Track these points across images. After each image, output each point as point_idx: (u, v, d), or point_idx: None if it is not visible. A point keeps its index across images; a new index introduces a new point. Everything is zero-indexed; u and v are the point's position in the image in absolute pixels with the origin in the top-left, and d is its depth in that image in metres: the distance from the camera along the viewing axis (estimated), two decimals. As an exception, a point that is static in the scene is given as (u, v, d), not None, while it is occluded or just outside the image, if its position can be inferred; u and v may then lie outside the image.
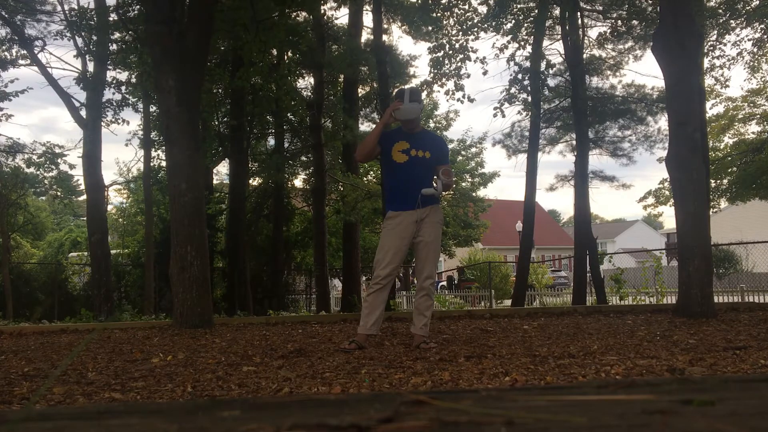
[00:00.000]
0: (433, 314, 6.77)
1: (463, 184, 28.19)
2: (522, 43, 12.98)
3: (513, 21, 12.81)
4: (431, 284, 4.07)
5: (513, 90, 12.76)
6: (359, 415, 0.54)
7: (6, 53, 12.76)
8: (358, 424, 0.51)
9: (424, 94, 20.84)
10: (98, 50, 12.14)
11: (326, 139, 15.69)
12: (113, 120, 13.18)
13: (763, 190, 17.78)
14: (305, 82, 17.39)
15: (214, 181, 19.01)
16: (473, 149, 28.62)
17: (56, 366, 3.44)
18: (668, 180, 13.07)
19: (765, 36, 14.31)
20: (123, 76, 15.19)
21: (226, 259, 15.47)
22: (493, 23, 12.24)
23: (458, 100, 11.40)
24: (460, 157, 28.45)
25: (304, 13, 13.85)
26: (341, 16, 31.29)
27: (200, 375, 3.05)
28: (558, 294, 19.21)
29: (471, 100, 11.62)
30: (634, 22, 12.85)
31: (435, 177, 4.01)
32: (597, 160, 24.81)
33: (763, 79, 17.86)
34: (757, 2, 12.72)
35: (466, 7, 11.83)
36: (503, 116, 12.27)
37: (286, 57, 14.36)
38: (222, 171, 22.80)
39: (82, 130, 12.21)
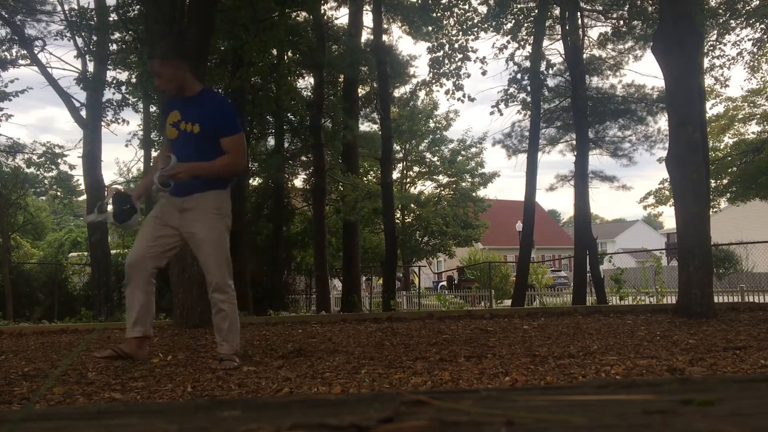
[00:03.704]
0: (432, 314, 6.77)
1: (463, 184, 28.22)
2: (522, 43, 12.99)
3: (513, 21, 12.83)
4: (220, 297, 3.30)
5: (512, 90, 12.79)
6: (359, 415, 0.54)
7: (6, 53, 12.77)
8: (358, 424, 0.51)
9: (423, 94, 20.92)
10: (98, 50, 12.14)
11: (326, 139, 15.69)
12: (113, 120, 13.20)
13: (763, 190, 17.79)
14: (305, 82, 17.41)
15: (214, 181, 18.96)
16: (473, 149, 28.67)
17: (56, 366, 3.44)
18: (668, 180, 13.07)
19: (765, 36, 14.32)
20: (123, 76, 15.19)
21: (226, 259, 15.44)
22: (493, 23, 12.26)
23: (458, 99, 11.46)
24: (460, 157, 28.48)
25: (304, 13, 13.85)
26: (341, 16, 31.32)
27: (200, 375, 3.05)
28: (558, 294, 19.21)
29: (471, 100, 11.72)
30: (635, 22, 12.86)
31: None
32: (597, 160, 24.89)
33: (763, 79, 17.89)
34: (757, 2, 12.73)
35: (466, 7, 11.86)
36: (501, 114, 12.32)
37: (286, 57, 14.35)
38: (222, 171, 22.70)
39: (82, 130, 12.21)
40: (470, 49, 11.51)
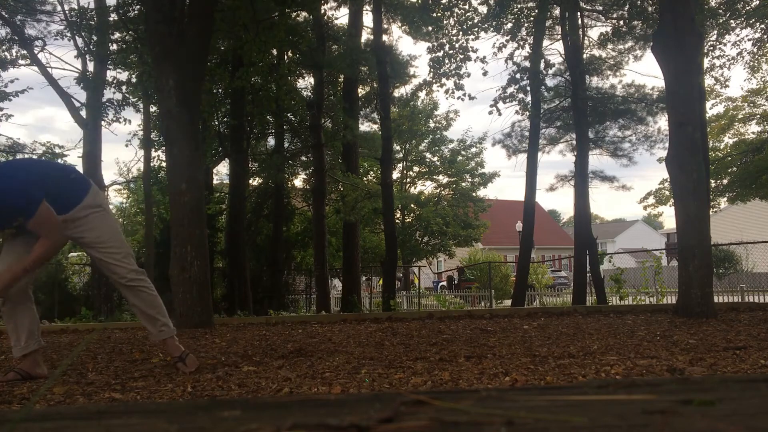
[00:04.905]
0: (432, 314, 6.76)
1: (463, 184, 28.23)
2: (522, 43, 13.00)
3: (513, 21, 12.84)
4: (141, 282, 3.21)
5: (511, 89, 12.81)
6: (359, 415, 0.54)
7: (6, 53, 12.76)
8: (358, 424, 0.51)
9: (423, 94, 20.92)
10: (98, 50, 12.14)
11: (326, 139, 15.70)
12: (114, 119, 13.19)
13: (763, 190, 17.80)
14: (305, 82, 17.43)
15: (214, 181, 19.02)
16: (473, 149, 28.69)
17: (56, 366, 3.44)
18: (668, 180, 13.07)
19: (765, 36, 14.32)
20: (123, 76, 15.18)
21: (226, 259, 15.47)
22: (493, 23, 12.26)
23: (458, 98, 11.51)
24: (460, 157, 28.50)
25: (304, 13, 13.86)
26: (341, 16, 31.36)
27: (200, 375, 3.05)
28: (558, 294, 19.20)
29: (471, 98, 11.80)
30: (635, 22, 12.87)
31: None
32: (597, 160, 24.84)
33: (763, 79, 17.89)
34: (757, 2, 12.73)
35: (466, 7, 11.86)
36: (499, 114, 12.35)
37: (286, 57, 14.37)
38: (222, 171, 22.77)
39: (82, 130, 12.21)
40: (470, 49, 11.54)
